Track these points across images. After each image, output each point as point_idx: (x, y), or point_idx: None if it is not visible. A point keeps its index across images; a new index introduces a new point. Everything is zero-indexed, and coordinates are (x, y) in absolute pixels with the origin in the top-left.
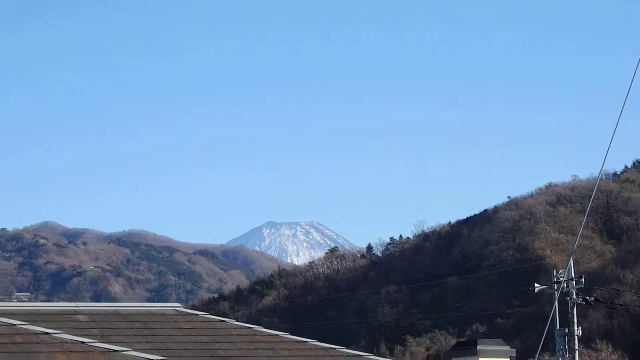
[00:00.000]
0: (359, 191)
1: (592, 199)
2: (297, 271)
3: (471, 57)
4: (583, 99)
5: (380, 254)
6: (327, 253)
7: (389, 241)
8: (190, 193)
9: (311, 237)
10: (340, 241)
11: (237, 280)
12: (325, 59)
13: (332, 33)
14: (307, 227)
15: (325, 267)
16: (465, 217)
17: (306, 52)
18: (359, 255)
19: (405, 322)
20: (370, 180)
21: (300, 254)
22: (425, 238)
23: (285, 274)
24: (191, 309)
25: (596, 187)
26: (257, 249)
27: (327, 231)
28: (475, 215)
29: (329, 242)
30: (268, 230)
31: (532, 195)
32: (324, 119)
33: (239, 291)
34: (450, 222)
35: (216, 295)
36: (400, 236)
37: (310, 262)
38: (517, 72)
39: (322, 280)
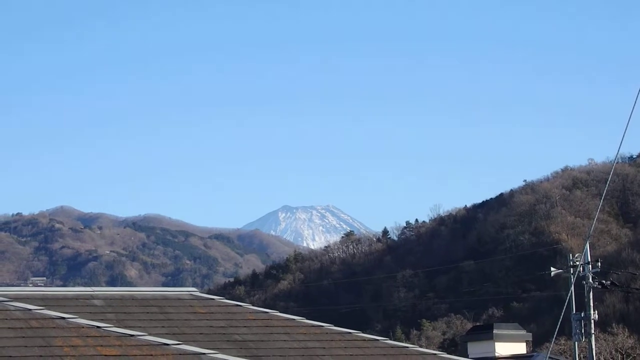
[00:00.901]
0: (375, 175)
1: (608, 183)
2: (312, 255)
3: (491, 24)
4: (600, 81)
5: (395, 238)
6: (342, 237)
7: (405, 225)
8: (206, 177)
9: (327, 220)
10: (355, 225)
11: (252, 264)
12: (341, 19)
13: None
14: (323, 211)
15: (341, 251)
16: (481, 201)
17: (317, 12)
18: (374, 239)
19: (420, 306)
20: (386, 164)
21: (315, 238)
22: (440, 222)
23: (300, 258)
24: (207, 293)
25: (612, 170)
26: (273, 233)
27: (342, 215)
28: (491, 198)
29: (344, 226)
30: (283, 214)
31: (547, 179)
32: (337, 102)
33: (254, 275)
34: (466, 205)
35: (232, 280)
36: (416, 220)
37: (325, 246)
38: (533, 49)
39: (338, 264)
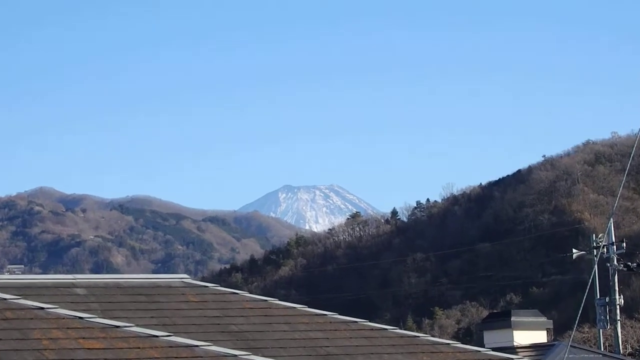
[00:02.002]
0: (383, 152)
1: (631, 157)
2: (315, 238)
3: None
4: (623, 50)
5: (405, 219)
6: (348, 218)
7: (415, 205)
8: (200, 155)
9: (331, 201)
10: (362, 205)
11: (250, 249)
12: None
13: None
14: (327, 191)
15: (346, 233)
16: (497, 178)
17: None
18: (382, 221)
19: (433, 292)
20: (394, 140)
21: (319, 220)
22: (454, 201)
23: (302, 242)
24: (200, 281)
25: (636, 143)
26: (273, 215)
27: (348, 195)
28: (508, 175)
29: (350, 207)
30: (284, 195)
31: (568, 154)
32: (342, 74)
33: (252, 261)
34: (480, 183)
35: (228, 266)
36: (427, 199)
37: (329, 229)
38: (553, 17)
39: (343, 248)
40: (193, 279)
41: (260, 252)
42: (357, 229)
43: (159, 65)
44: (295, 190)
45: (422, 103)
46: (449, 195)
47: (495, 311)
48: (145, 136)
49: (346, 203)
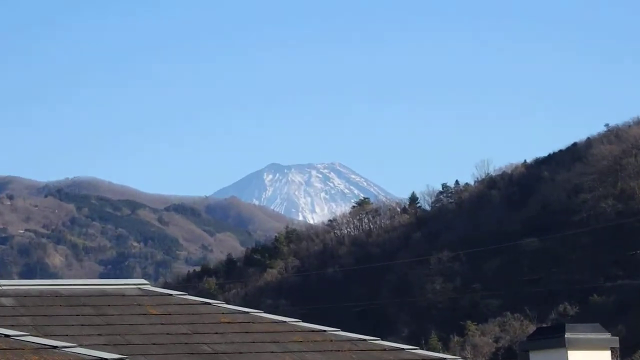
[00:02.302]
0: (398, 122)
1: None
2: (312, 232)
3: None
4: None
5: (428, 207)
6: (353, 207)
7: (441, 189)
8: (161, 129)
9: (331, 184)
10: (372, 190)
11: (227, 246)
12: None
13: None
14: (326, 171)
15: (352, 226)
16: (546, 154)
17: None
18: (398, 210)
19: (463, 301)
20: (412, 107)
21: (316, 208)
22: (490, 184)
23: (295, 237)
24: (163, 288)
25: None
26: (256, 202)
27: (353, 176)
28: (560, 151)
29: (356, 192)
30: (271, 176)
31: (638, 122)
32: (346, 27)
33: (230, 262)
34: (525, 161)
35: (198, 269)
36: (457, 182)
37: (330, 220)
38: None
39: (347, 245)
40: (153, 286)
41: (240, 250)
42: (366, 220)
43: (104, 27)
44: (285, 171)
45: (447, 60)
46: (484, 176)
47: (544, 325)
48: (91, 108)
49: (351, 187)
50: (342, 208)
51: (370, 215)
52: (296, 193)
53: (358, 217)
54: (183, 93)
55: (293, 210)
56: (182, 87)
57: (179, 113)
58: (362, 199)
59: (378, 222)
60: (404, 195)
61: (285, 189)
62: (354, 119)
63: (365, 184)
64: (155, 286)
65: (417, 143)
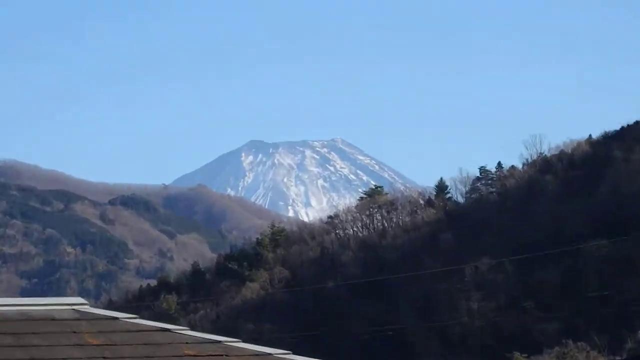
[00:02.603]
0: (418, 86)
1: None
2: (306, 232)
3: None
4: None
5: (461, 199)
6: (361, 198)
7: (479, 174)
8: (106, 93)
9: (332, 167)
10: (386, 176)
11: (193, 252)
12: None
13: None
14: (325, 151)
15: (360, 224)
16: (617, 128)
17: None
18: (421, 202)
19: (509, 325)
20: (438, 66)
21: (311, 201)
22: (544, 167)
23: (284, 239)
24: (106, 309)
25: None
26: (231, 192)
27: (361, 157)
28: (637, 123)
29: (364, 178)
30: (251, 158)
31: None
32: None
33: (196, 273)
34: (590, 136)
35: (154, 283)
36: (499, 165)
37: (330, 217)
38: None
39: (354, 250)
40: (94, 306)
41: (209, 258)
42: (378, 216)
43: None
44: (271, 151)
45: (483, 7)
46: (535, 156)
47: (618, 359)
48: (11, 76)
49: (358, 171)
50: (347, 200)
51: (384, 210)
52: (285, 180)
53: (368, 213)
54: (132, 50)
55: (281, 203)
56: (129, 44)
57: (125, 76)
58: (373, 187)
59: (394, 219)
60: (428, 182)
61: (270, 175)
62: (359, 82)
63: (376, 167)
64: (97, 307)
65: (445, 113)
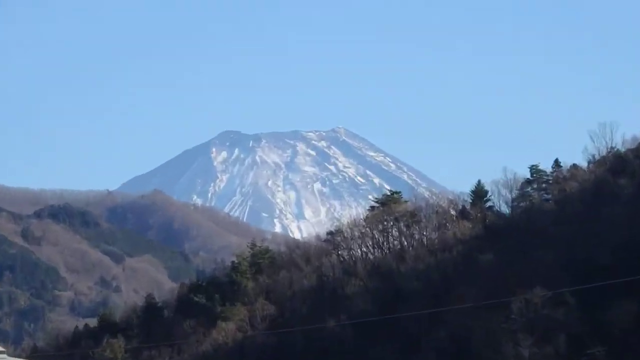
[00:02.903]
0: (449, 64)
1: None
2: (297, 253)
3: None
4: None
5: (506, 208)
6: (372, 208)
7: (529, 176)
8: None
9: (332, 166)
10: (405, 177)
11: (145, 279)
12: None
13: None
14: (322, 144)
15: (370, 242)
16: None
17: None
18: (452, 212)
19: None
20: (476, 38)
21: (305, 210)
22: (617, 165)
23: (268, 262)
24: (30, 358)
25: None
26: (197, 199)
27: (371, 153)
28: None
29: (376, 181)
30: (224, 153)
31: None
32: None
33: (151, 309)
34: None
35: (93, 322)
36: (556, 163)
37: (331, 232)
38: None
39: (362, 277)
40: (13, 355)
41: (169, 287)
42: (395, 231)
43: None
44: (251, 144)
45: None
46: (605, 152)
47: None
48: None
49: (367, 171)
50: (353, 210)
51: (402, 224)
52: (270, 184)
53: (381, 227)
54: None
55: (264, 214)
56: (68, 30)
57: (57, 55)
58: (388, 193)
59: (417, 236)
60: (461, 186)
61: (249, 177)
62: (369, 59)
63: (392, 166)
64: (18, 357)
65: (481, 96)
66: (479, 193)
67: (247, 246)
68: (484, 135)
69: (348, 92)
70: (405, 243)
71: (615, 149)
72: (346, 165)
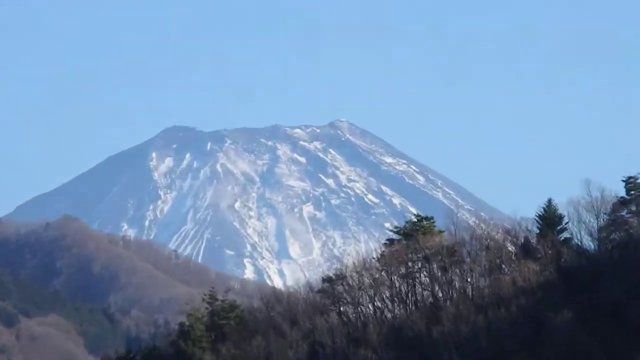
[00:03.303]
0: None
1: None
2: (279, 310)
3: None
4: None
5: (591, 241)
6: (390, 241)
7: (624, 194)
8: None
9: (330, 178)
10: (439, 195)
11: (49, 349)
12: None
13: None
14: (315, 145)
15: (388, 292)
16: None
17: None
18: (509, 247)
19: None
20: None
21: (290, 245)
22: None
23: (235, 323)
24: None
25: None
26: (128, 229)
27: (388, 159)
28: None
29: (396, 200)
30: (169, 158)
31: None
32: None
33: None
34: None
35: None
36: None
37: (329, 277)
38: None
39: (373, 346)
40: None
41: None
42: (424, 276)
43: None
44: (209, 146)
45: None
46: None
47: None
48: None
49: (383, 186)
50: (361, 244)
51: (436, 265)
52: (237, 205)
53: (403, 271)
54: None
55: (229, 251)
56: None
57: None
58: (415, 219)
59: (458, 283)
60: (523, 209)
61: (208, 195)
62: (383, 24)
63: (419, 178)
64: None
65: (542, 80)
66: (550, 219)
67: (203, 300)
68: (554, 134)
69: (352, 70)
70: (440, 294)
71: None
72: (351, 177)
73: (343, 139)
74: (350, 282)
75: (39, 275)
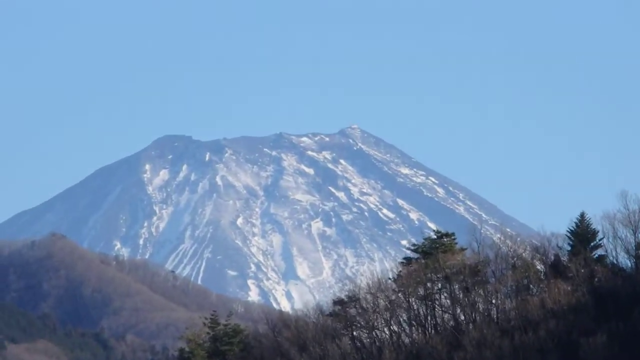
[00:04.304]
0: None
1: None
2: (287, 335)
3: None
4: None
5: (627, 259)
6: (408, 260)
7: None
8: None
9: (342, 191)
10: (461, 210)
11: None
12: None
13: None
14: (325, 155)
15: (405, 315)
16: None
17: None
18: (538, 266)
19: None
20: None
21: (297, 264)
22: None
23: (238, 349)
24: None
25: None
26: (122, 248)
27: (404, 170)
28: None
29: (413, 215)
30: (164, 171)
31: None
32: None
33: None
34: None
35: None
36: None
37: (340, 300)
38: None
39: None
40: None
41: None
42: (445, 298)
43: None
44: (208, 157)
45: None
46: None
47: None
48: None
49: (400, 200)
50: (376, 264)
51: (458, 285)
52: (240, 222)
53: (422, 292)
54: None
55: (231, 272)
56: None
57: None
58: (435, 236)
59: (482, 305)
60: (553, 224)
61: (207, 211)
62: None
63: (439, 191)
64: None
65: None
66: (583, 235)
67: (205, 324)
68: (587, 143)
69: (365, 73)
70: (463, 317)
71: None
72: (364, 190)
73: (355, 148)
74: (364, 305)
75: (25, 298)
